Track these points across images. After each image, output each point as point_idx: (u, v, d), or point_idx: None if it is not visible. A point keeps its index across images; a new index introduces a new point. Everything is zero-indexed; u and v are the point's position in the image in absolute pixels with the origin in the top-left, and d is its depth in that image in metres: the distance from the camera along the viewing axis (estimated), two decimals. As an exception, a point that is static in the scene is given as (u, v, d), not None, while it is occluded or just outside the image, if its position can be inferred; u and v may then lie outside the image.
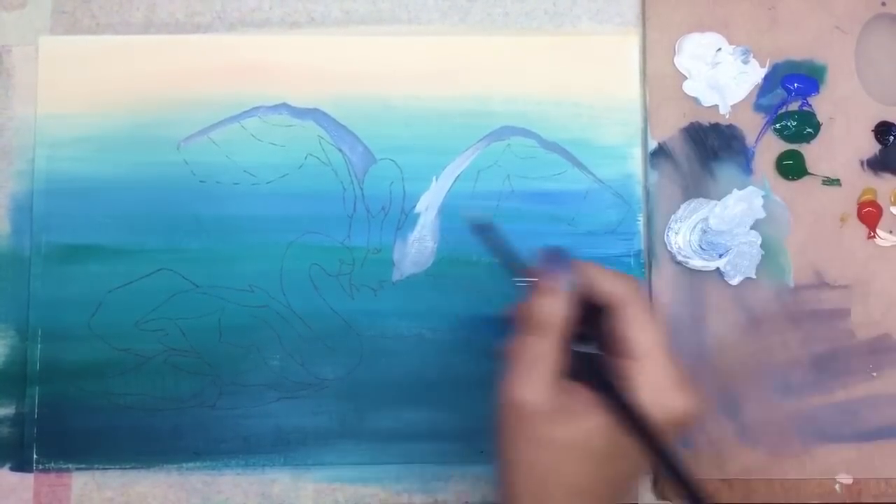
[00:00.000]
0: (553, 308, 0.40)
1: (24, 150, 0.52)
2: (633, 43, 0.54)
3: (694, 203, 0.52)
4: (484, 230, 0.45)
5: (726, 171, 0.53)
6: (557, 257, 0.41)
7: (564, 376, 0.40)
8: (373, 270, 0.52)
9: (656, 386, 0.39)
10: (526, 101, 0.53)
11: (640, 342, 0.39)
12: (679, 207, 0.52)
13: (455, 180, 0.53)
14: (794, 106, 0.53)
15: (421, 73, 0.53)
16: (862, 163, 0.53)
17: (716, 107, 0.53)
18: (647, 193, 0.53)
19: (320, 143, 0.53)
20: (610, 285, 0.41)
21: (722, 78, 0.53)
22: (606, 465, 0.39)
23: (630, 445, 0.39)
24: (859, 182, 0.53)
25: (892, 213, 0.52)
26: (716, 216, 0.52)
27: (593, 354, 0.41)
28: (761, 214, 0.52)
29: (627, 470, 0.40)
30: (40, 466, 0.50)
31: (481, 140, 0.53)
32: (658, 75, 0.53)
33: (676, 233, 0.52)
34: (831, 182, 0.53)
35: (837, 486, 0.51)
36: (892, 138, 0.53)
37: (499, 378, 0.40)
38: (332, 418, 0.51)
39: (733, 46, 0.53)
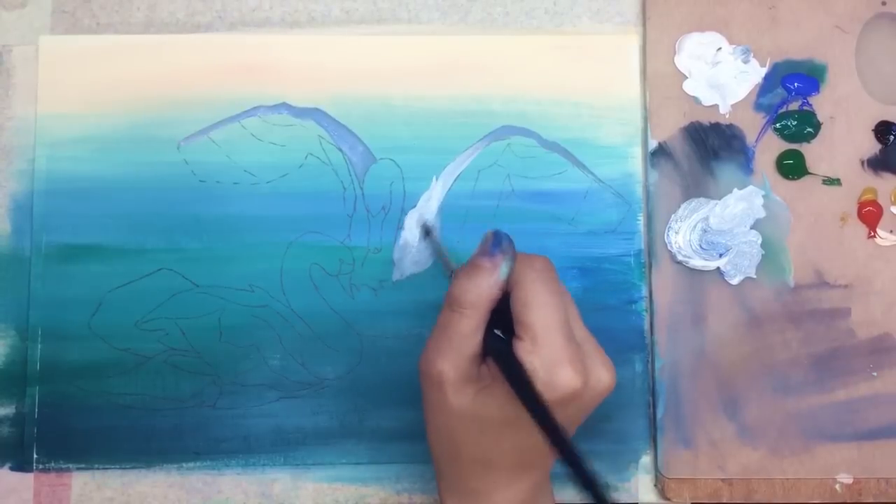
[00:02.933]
0: (481, 289, 0.41)
1: (24, 150, 0.52)
2: (633, 42, 0.54)
3: (694, 202, 0.52)
4: (427, 233, 0.50)
5: (726, 171, 0.53)
6: (500, 242, 0.42)
7: (483, 355, 0.42)
8: (373, 270, 0.52)
9: (545, 364, 0.39)
10: (526, 101, 0.53)
11: (526, 322, 0.40)
12: (679, 207, 0.52)
13: (455, 180, 0.53)
14: (794, 105, 0.53)
15: (421, 73, 0.53)
16: (862, 162, 0.53)
17: (716, 106, 0.53)
18: (648, 193, 0.53)
19: (320, 143, 0.53)
20: (515, 268, 0.42)
21: (722, 77, 0.53)
22: (507, 436, 0.41)
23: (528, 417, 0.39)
24: (860, 181, 0.52)
25: (892, 212, 0.52)
26: (716, 216, 0.52)
27: (503, 337, 0.42)
28: (761, 214, 0.52)
29: (536, 442, 0.40)
30: (40, 466, 0.51)
31: (481, 140, 0.53)
32: (658, 75, 0.53)
33: (676, 232, 0.52)
34: (831, 182, 0.53)
35: (838, 486, 0.51)
36: (892, 138, 0.53)
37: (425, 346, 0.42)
38: (332, 418, 0.51)
39: (733, 46, 0.53)
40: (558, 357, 0.39)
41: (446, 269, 0.47)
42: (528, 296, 0.40)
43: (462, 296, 0.41)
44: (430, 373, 0.41)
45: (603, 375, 0.41)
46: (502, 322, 0.42)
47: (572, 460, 0.37)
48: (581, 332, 0.42)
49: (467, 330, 0.41)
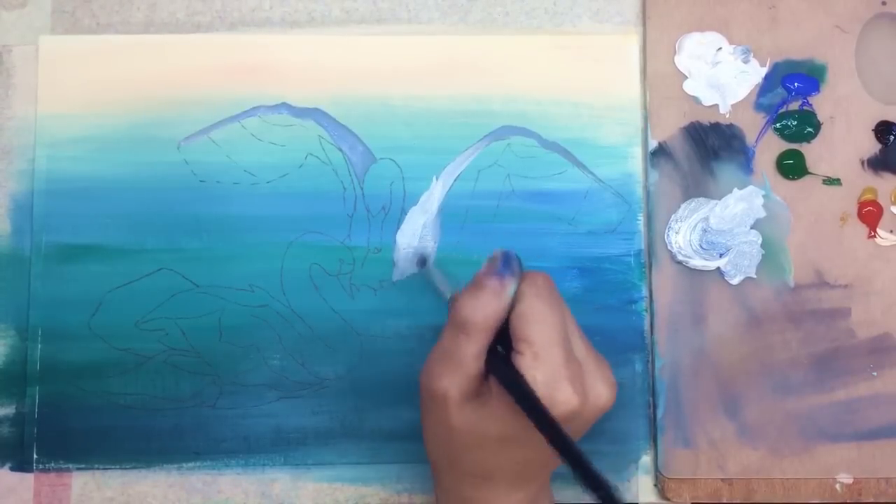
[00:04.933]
0: (489, 311, 0.40)
1: (24, 150, 0.52)
2: (633, 42, 0.54)
3: (694, 202, 0.52)
4: (423, 263, 0.51)
5: (727, 171, 0.53)
6: (510, 262, 0.41)
7: (485, 372, 0.41)
8: (373, 270, 0.52)
9: (546, 380, 0.39)
10: (526, 101, 0.53)
11: (527, 337, 0.40)
12: (679, 207, 0.52)
13: (455, 180, 0.53)
14: (794, 105, 0.53)
15: (421, 73, 0.53)
16: (862, 162, 0.53)
17: (716, 106, 0.53)
18: (648, 193, 0.53)
19: (320, 143, 0.53)
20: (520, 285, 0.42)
21: (722, 77, 0.53)
22: (507, 451, 0.41)
23: (530, 431, 0.39)
24: (860, 181, 0.52)
25: (892, 212, 0.52)
26: (716, 216, 0.52)
27: (504, 353, 0.41)
28: (762, 214, 0.52)
29: (536, 457, 0.41)
30: (40, 466, 0.51)
31: (481, 140, 0.53)
32: (658, 75, 0.53)
33: (677, 232, 0.52)
34: (832, 181, 0.53)
35: (838, 486, 0.51)
36: (892, 138, 0.53)
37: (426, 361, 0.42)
38: (332, 418, 0.51)
39: (733, 46, 0.53)
40: (558, 374, 0.39)
41: (444, 296, 0.46)
42: (529, 311, 0.40)
43: (470, 317, 0.40)
44: (433, 390, 0.41)
45: (603, 391, 0.41)
46: (500, 337, 0.41)
47: (583, 470, 0.37)
48: (581, 348, 0.42)
49: (475, 351, 0.40)
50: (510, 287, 0.41)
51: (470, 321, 0.40)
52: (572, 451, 0.38)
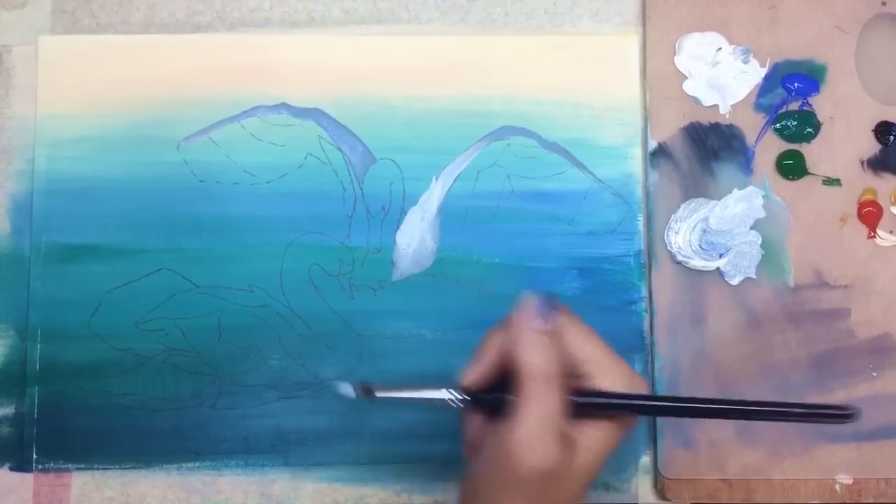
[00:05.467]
0: (559, 353, 0.39)
1: (24, 150, 0.52)
2: (633, 42, 0.54)
3: (694, 203, 0.52)
4: (368, 393, 0.43)
5: (726, 171, 0.53)
6: (551, 303, 0.40)
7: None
8: (373, 270, 0.52)
9: (626, 385, 0.40)
10: (526, 101, 0.53)
11: (588, 359, 0.40)
12: (679, 207, 0.52)
13: (455, 180, 0.53)
14: (794, 106, 0.53)
15: (421, 73, 0.53)
16: (862, 162, 0.53)
17: (716, 106, 0.53)
18: (647, 193, 0.53)
19: (320, 143, 0.53)
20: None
21: (722, 78, 0.53)
22: (600, 464, 0.40)
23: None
24: (859, 182, 0.52)
25: (892, 212, 0.52)
26: (716, 216, 0.52)
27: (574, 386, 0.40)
28: (761, 214, 0.52)
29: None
30: (40, 466, 0.50)
31: (481, 140, 0.53)
32: (658, 75, 0.53)
33: (676, 232, 0.52)
34: (831, 182, 0.53)
35: (837, 486, 0.51)
36: (892, 138, 0.53)
37: (496, 434, 0.38)
38: (332, 418, 0.51)
39: (733, 46, 0.53)
40: (630, 373, 0.40)
41: (437, 391, 0.41)
42: (577, 335, 0.40)
43: (550, 367, 0.38)
44: (542, 469, 0.37)
45: (640, 375, 0.42)
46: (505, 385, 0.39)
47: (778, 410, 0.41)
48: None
49: (565, 399, 0.38)
50: (551, 325, 0.39)
51: (552, 371, 0.38)
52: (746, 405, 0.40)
